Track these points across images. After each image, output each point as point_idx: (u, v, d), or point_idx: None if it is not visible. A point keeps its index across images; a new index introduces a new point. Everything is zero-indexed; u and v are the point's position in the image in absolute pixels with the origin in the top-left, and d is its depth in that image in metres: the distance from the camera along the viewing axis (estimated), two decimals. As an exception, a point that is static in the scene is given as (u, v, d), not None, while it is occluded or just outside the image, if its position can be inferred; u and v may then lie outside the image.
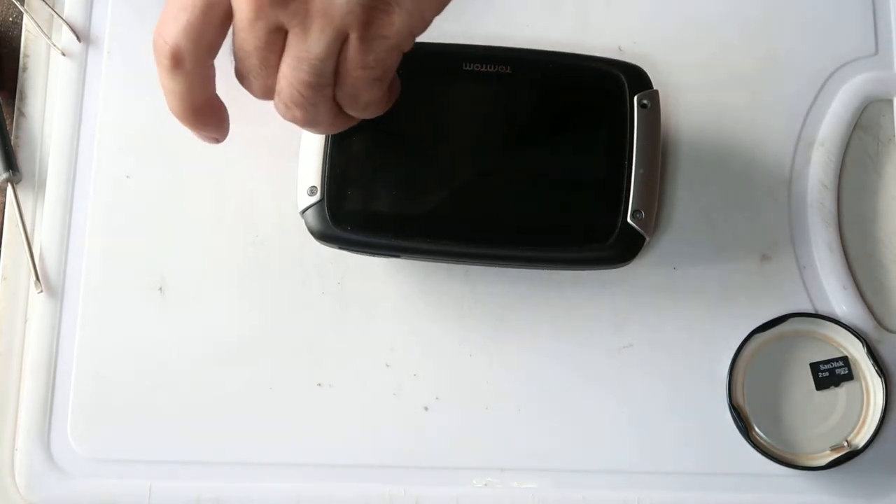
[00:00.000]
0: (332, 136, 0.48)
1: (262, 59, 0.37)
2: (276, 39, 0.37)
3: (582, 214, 0.49)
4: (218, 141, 0.42)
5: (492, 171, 0.49)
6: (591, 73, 0.50)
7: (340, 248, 0.49)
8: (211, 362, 0.52)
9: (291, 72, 0.37)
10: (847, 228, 0.54)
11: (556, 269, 0.52)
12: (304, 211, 0.48)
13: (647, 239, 0.48)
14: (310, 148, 0.49)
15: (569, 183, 0.49)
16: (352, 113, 0.41)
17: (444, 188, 0.49)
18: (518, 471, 0.51)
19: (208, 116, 0.41)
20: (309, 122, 0.40)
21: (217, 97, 0.41)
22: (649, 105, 0.49)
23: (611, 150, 0.49)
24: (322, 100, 0.39)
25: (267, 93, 0.39)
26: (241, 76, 0.39)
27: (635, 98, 0.49)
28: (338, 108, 0.40)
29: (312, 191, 0.48)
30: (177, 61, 0.38)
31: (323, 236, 0.48)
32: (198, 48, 0.38)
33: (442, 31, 0.47)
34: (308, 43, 0.37)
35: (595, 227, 0.48)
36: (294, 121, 0.40)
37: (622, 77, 0.49)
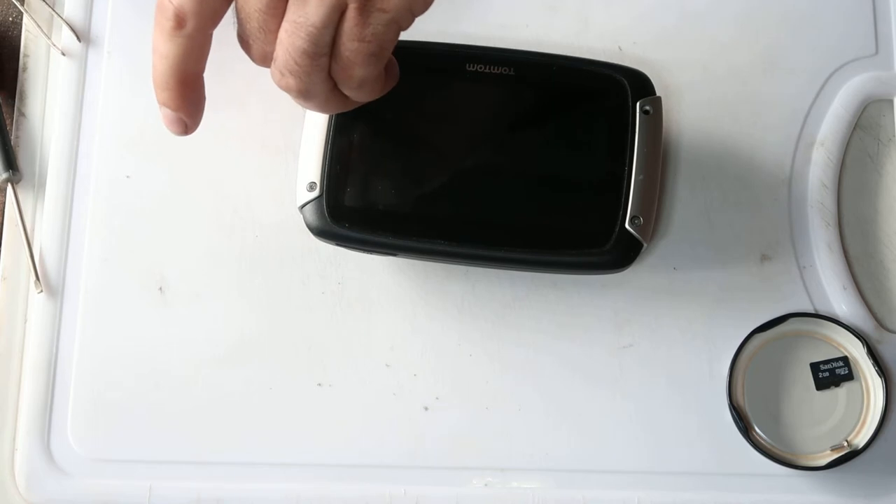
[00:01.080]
0: (334, 132, 0.48)
1: (261, 22, 0.38)
2: (278, 4, 0.37)
3: (580, 219, 0.48)
4: (187, 128, 0.41)
5: (491, 173, 0.49)
6: (594, 78, 0.49)
7: (338, 244, 0.49)
8: (211, 362, 0.52)
9: (288, 38, 0.37)
10: (847, 228, 0.54)
11: (551, 272, 0.52)
12: (302, 206, 0.48)
13: (645, 245, 0.48)
14: (311, 143, 0.48)
15: (568, 187, 0.49)
16: (346, 91, 0.40)
17: (443, 188, 0.48)
18: (518, 471, 0.51)
19: (192, 92, 0.40)
20: (302, 93, 0.40)
21: (203, 81, 0.41)
22: (651, 111, 0.49)
23: (611, 156, 0.48)
24: (317, 70, 0.38)
25: (265, 59, 0.39)
26: (241, 39, 0.39)
27: (638, 104, 0.49)
28: (333, 84, 0.40)
29: (311, 186, 0.48)
30: (179, 22, 0.38)
31: (320, 232, 0.48)
32: (202, 11, 0.38)
33: (441, 28, 0.47)
34: (307, 10, 0.37)
35: (593, 232, 0.48)
36: (287, 89, 0.40)
37: (625, 82, 0.49)
